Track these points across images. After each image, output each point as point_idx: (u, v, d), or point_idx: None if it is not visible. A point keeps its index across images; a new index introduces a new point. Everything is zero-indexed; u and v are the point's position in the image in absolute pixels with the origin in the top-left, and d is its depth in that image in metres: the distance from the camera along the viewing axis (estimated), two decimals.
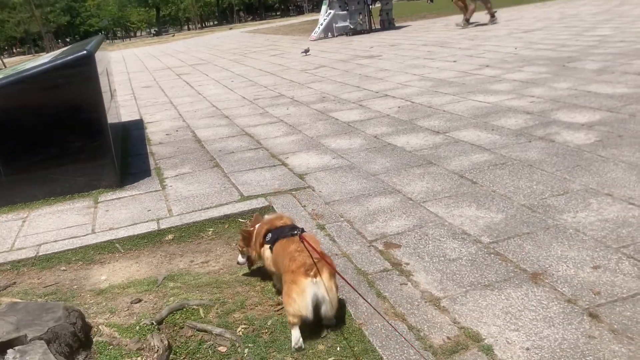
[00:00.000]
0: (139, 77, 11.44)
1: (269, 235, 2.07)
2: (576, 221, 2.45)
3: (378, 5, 18.25)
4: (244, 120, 5.60)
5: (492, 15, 13.16)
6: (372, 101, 5.80)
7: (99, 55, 4.02)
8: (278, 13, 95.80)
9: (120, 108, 6.88)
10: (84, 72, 3.41)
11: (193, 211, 3.11)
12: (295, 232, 1.97)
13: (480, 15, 13.69)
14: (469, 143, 3.85)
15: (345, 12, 15.83)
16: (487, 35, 10.76)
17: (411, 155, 3.75)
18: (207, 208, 3.13)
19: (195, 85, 8.82)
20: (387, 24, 16.37)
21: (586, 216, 2.49)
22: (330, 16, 15.94)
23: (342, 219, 2.81)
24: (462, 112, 4.80)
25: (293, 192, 3.27)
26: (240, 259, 2.28)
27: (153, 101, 7.64)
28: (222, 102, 6.91)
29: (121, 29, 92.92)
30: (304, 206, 3.03)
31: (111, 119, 4.06)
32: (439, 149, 3.81)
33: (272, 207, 3.04)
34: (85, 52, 3.39)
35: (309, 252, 1.81)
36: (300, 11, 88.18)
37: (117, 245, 2.78)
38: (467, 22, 13.26)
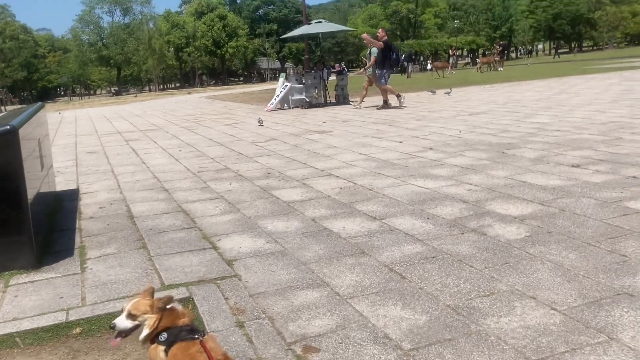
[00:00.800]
0: (86, 141, 11.23)
1: (165, 334, 1.90)
2: (499, 327, 2.40)
3: (333, 78, 18.72)
4: (183, 195, 5.48)
5: (398, 96, 13.68)
6: (316, 180, 5.79)
7: (28, 127, 3.89)
8: (241, 79, 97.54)
9: (59, 175, 6.66)
10: (4, 146, 3.26)
11: (107, 300, 2.93)
12: (197, 336, 1.84)
13: (413, 99, 14.18)
14: (403, 232, 3.83)
15: (301, 85, 16.19)
16: (434, 117, 11.12)
17: (345, 243, 3.69)
18: (123, 297, 2.95)
19: (141, 153, 8.68)
20: (342, 99, 16.78)
21: (509, 322, 2.45)
22: (286, 89, 16.26)
23: (264, 315, 2.69)
24: (401, 197, 4.82)
25: (218, 282, 3.14)
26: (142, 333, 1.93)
27: (94, 169, 7.45)
28: (165, 173, 6.79)
29: (80, 86, 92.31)
30: (227, 298, 2.89)
31: (42, 189, 3.89)
32: (373, 237, 3.77)
33: (193, 298, 2.90)
34: (8, 127, 3.26)
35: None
36: (262, 78, 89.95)
37: (17, 339, 2.56)
38: (385, 103, 13.69)
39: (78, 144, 10.77)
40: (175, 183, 6.13)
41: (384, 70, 13.45)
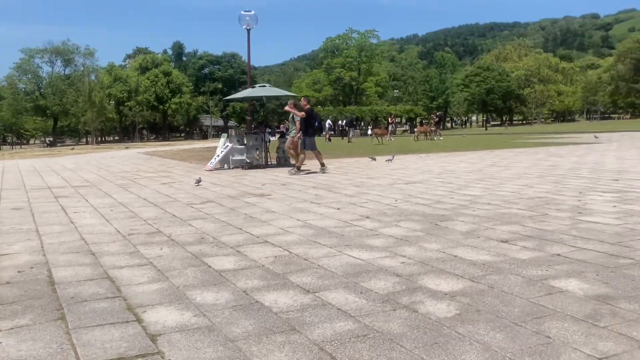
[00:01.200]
0: (12, 196, 10.71)
1: None
2: None
3: (274, 138, 18.93)
4: (110, 260, 5.25)
5: (322, 165, 14.04)
6: (250, 247, 5.70)
7: None
8: (182, 135, 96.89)
9: None
10: None
11: None
12: None
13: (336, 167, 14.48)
14: (336, 307, 3.79)
15: (242, 146, 16.22)
16: (372, 184, 11.32)
17: (276, 318, 3.60)
18: None
19: (70, 212, 8.34)
20: (283, 161, 16.90)
21: None
22: (227, 149, 16.24)
23: None
24: (336, 268, 4.80)
25: None
26: None
27: (18, 228, 7.07)
28: (94, 234, 6.51)
29: (12, 135, 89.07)
30: None
31: None
32: (305, 313, 3.69)
33: None
34: None
35: None
36: (204, 135, 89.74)
37: None
38: (298, 169, 13.99)
39: (2, 199, 10.24)
40: (103, 246, 5.88)
41: (307, 137, 13.81)
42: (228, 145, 16.27)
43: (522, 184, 10.59)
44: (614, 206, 7.72)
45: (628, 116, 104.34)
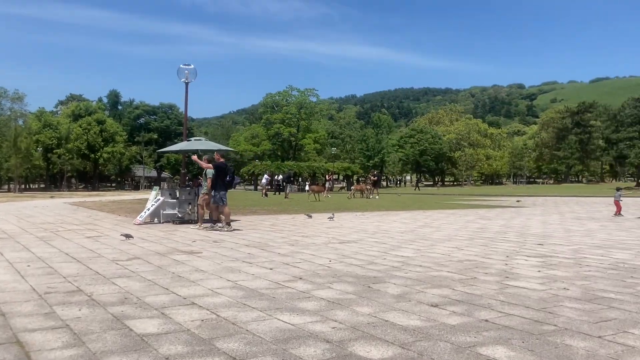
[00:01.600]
0: None
1: None
2: None
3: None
4: (22, 322, 4.87)
5: (228, 224, 13.80)
6: (176, 309, 5.44)
7: None
8: (113, 185, 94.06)
9: None
10: None
11: None
12: None
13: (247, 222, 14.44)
14: None
15: (174, 200, 15.86)
16: (307, 242, 11.25)
17: None
18: None
19: None
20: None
21: None
22: (158, 202, 15.82)
23: None
24: (265, 333, 4.63)
25: None
26: None
27: None
28: (6, 292, 6.06)
29: None
30: None
31: None
32: None
33: None
34: None
35: None
36: (136, 186, 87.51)
37: None
38: (227, 225, 13.76)
39: None
40: (15, 306, 5.46)
41: (216, 192, 13.62)
42: (159, 199, 15.86)
43: (452, 246, 10.81)
44: (539, 271, 7.97)
45: (551, 181, 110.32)
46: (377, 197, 38.63)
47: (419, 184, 79.86)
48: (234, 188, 16.22)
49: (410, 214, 21.43)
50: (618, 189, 22.84)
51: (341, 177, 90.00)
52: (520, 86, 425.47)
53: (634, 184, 75.99)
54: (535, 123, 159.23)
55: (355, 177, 77.87)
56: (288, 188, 42.64)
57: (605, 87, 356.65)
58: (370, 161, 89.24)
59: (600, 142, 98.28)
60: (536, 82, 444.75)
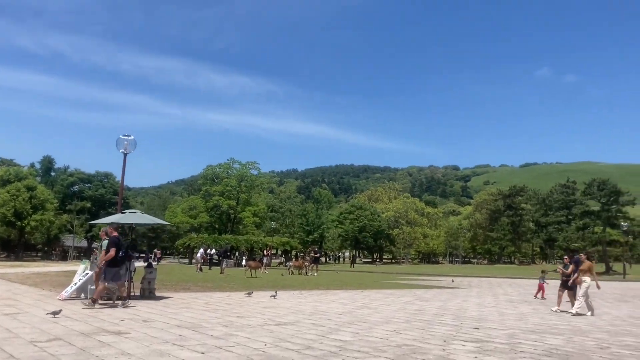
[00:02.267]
0: None
1: None
2: None
3: (138, 264, 17.92)
4: None
5: (94, 301, 13.11)
6: None
7: None
8: (39, 255, 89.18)
9: None
10: None
11: None
12: None
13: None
14: None
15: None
16: (242, 324, 10.82)
17: None
18: None
19: None
20: (148, 293, 15.86)
21: None
22: (87, 276, 15.03)
23: None
24: None
25: None
26: None
27: None
28: None
29: None
30: None
31: None
32: None
33: None
34: None
35: None
36: (64, 257, 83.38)
37: None
38: (93, 302, 13.03)
39: None
40: None
41: (107, 268, 12.99)
42: (88, 273, 15.04)
43: (390, 330, 10.65)
44: (475, 357, 7.92)
45: (485, 261, 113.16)
46: (315, 273, 38.25)
47: (355, 261, 79.63)
48: (132, 269, 15.15)
49: (348, 293, 21.21)
50: (543, 272, 23.60)
51: (280, 252, 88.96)
52: (455, 168, 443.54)
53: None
54: (469, 204, 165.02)
55: (294, 253, 77.14)
56: (224, 263, 41.54)
57: (534, 172, 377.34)
58: (310, 236, 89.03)
59: (531, 224, 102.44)
60: (470, 164, 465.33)
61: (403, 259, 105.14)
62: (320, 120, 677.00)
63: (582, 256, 16.42)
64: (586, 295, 15.47)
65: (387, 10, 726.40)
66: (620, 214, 70.60)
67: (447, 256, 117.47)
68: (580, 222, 76.63)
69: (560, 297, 16.66)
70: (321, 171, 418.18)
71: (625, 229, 62.09)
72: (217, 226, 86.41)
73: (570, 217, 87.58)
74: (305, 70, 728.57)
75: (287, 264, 48.83)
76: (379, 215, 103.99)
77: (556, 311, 15.92)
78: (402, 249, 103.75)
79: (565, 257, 17.95)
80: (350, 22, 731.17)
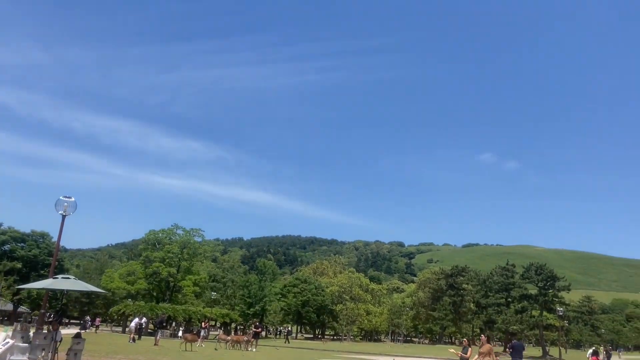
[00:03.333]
0: None
1: None
2: None
3: (67, 331, 16.85)
4: None
5: None
6: None
7: None
8: None
9: None
10: None
11: None
12: None
13: None
14: None
15: (27, 344, 14.08)
16: None
17: None
18: None
19: None
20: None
21: None
22: (7, 345, 13.96)
23: None
24: None
25: None
26: None
27: None
28: None
29: None
30: None
31: None
32: None
33: None
34: None
35: None
36: None
37: None
38: None
39: None
40: None
41: None
42: (8, 342, 13.97)
43: None
44: None
45: (427, 341, 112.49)
46: (254, 349, 36.93)
47: (289, 337, 77.35)
48: (58, 339, 14.11)
49: None
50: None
51: (219, 324, 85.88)
52: (400, 244, 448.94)
53: (502, 348, 79.39)
54: (413, 281, 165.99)
55: (233, 326, 74.55)
56: (159, 333, 39.53)
57: (475, 252, 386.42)
58: (251, 309, 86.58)
59: (472, 305, 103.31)
60: (414, 241, 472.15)
61: (345, 336, 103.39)
62: (269, 189, 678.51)
63: (483, 338, 16.34)
64: None
65: (343, 89, 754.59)
66: (557, 299, 72.47)
67: (390, 334, 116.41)
68: (519, 305, 78.05)
69: None
70: (267, 241, 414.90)
71: (561, 313, 63.54)
72: (155, 294, 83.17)
73: (509, 299, 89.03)
74: (257, 139, 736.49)
75: (216, 337, 46.64)
76: (323, 290, 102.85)
77: None
78: (345, 325, 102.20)
79: (464, 339, 17.90)
80: (306, 96, 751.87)
